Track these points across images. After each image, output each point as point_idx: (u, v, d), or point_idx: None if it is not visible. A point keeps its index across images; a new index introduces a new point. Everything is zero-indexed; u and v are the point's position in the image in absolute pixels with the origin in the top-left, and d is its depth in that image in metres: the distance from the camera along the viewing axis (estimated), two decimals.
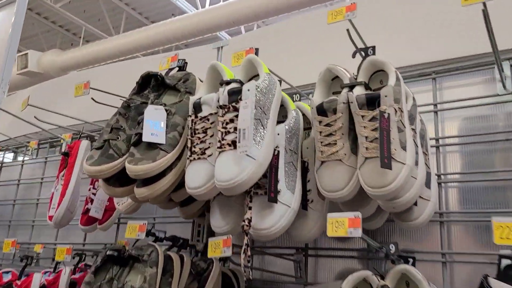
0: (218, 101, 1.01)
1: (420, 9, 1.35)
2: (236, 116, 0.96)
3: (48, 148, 2.30)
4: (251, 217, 0.99)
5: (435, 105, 1.24)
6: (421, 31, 1.33)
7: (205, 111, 1.03)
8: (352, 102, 0.97)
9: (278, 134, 1.04)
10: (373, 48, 1.07)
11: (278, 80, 1.12)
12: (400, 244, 1.19)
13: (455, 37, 1.27)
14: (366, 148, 0.94)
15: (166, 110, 1.10)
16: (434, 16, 1.32)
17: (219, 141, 0.96)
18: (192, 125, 1.04)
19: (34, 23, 7.04)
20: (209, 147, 1.01)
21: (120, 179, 1.11)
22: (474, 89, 1.24)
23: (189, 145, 1.04)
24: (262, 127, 0.97)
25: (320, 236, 1.16)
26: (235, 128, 0.95)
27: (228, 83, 1.04)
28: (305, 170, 1.11)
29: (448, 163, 1.23)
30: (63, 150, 1.78)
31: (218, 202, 1.10)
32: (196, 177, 1.00)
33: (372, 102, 0.95)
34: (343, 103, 0.98)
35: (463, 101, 1.21)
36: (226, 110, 0.98)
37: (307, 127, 1.19)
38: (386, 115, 0.92)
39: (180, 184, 1.13)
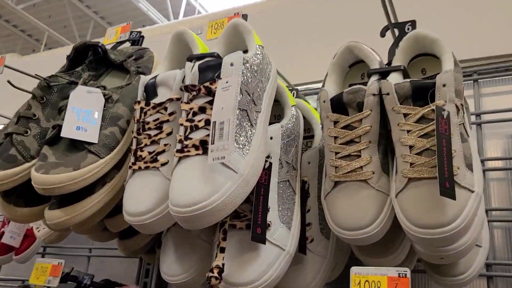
0: (183, 81, 0.66)
1: None
2: (210, 102, 0.60)
3: None
4: (223, 265, 0.62)
5: (478, 115, 0.92)
6: (463, 19, 1.02)
7: (162, 96, 0.67)
8: (388, 94, 0.64)
9: (272, 138, 0.69)
10: (413, 23, 0.75)
11: None
12: None
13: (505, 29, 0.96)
14: (411, 164, 0.60)
15: (105, 95, 0.74)
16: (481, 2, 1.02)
17: (180, 141, 0.60)
18: (141, 116, 0.67)
19: None
20: (164, 150, 0.64)
21: (26, 195, 0.73)
22: None
23: (133, 146, 0.67)
24: (249, 123, 0.62)
25: None
26: (207, 122, 0.60)
27: (200, 58, 0.68)
28: (305, 194, 0.76)
29: (492, 193, 0.91)
30: None
31: (173, 237, 0.73)
32: (141, 197, 0.63)
33: (421, 94, 0.62)
34: (373, 94, 0.65)
35: None
36: (194, 93, 0.62)
37: (308, 136, 0.85)
38: (445, 114, 0.59)
39: (118, 206, 0.77)
